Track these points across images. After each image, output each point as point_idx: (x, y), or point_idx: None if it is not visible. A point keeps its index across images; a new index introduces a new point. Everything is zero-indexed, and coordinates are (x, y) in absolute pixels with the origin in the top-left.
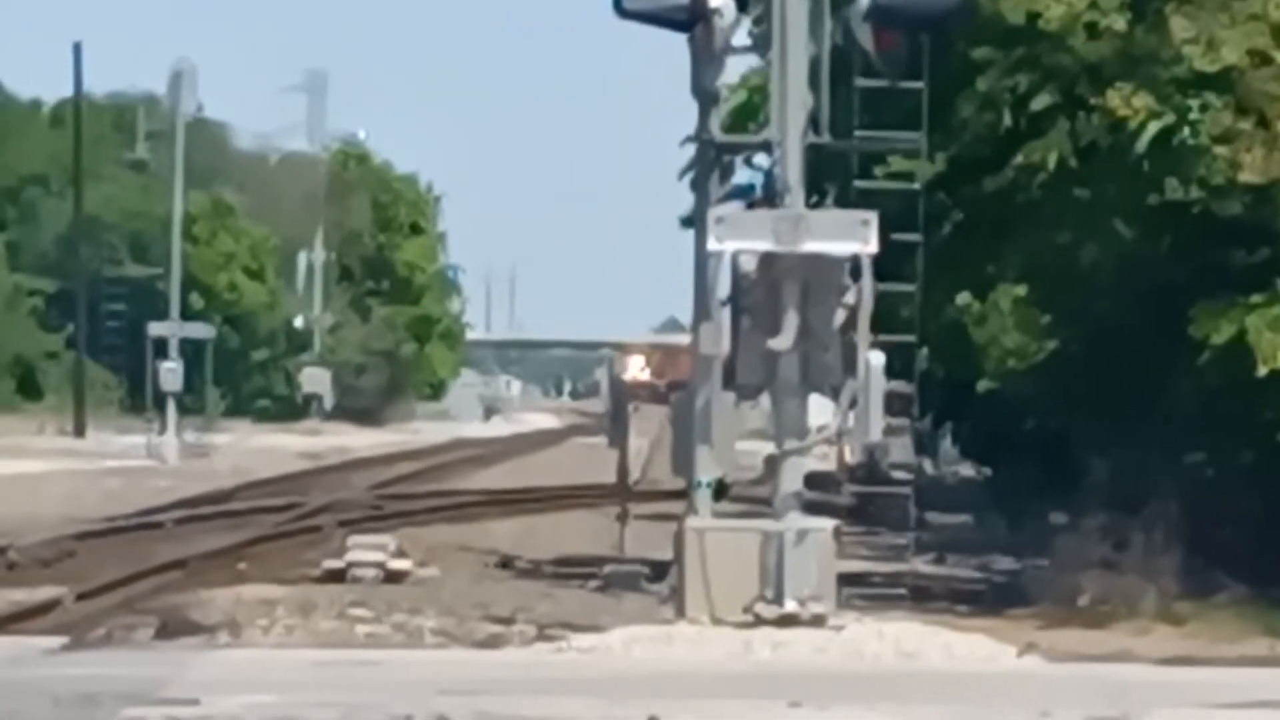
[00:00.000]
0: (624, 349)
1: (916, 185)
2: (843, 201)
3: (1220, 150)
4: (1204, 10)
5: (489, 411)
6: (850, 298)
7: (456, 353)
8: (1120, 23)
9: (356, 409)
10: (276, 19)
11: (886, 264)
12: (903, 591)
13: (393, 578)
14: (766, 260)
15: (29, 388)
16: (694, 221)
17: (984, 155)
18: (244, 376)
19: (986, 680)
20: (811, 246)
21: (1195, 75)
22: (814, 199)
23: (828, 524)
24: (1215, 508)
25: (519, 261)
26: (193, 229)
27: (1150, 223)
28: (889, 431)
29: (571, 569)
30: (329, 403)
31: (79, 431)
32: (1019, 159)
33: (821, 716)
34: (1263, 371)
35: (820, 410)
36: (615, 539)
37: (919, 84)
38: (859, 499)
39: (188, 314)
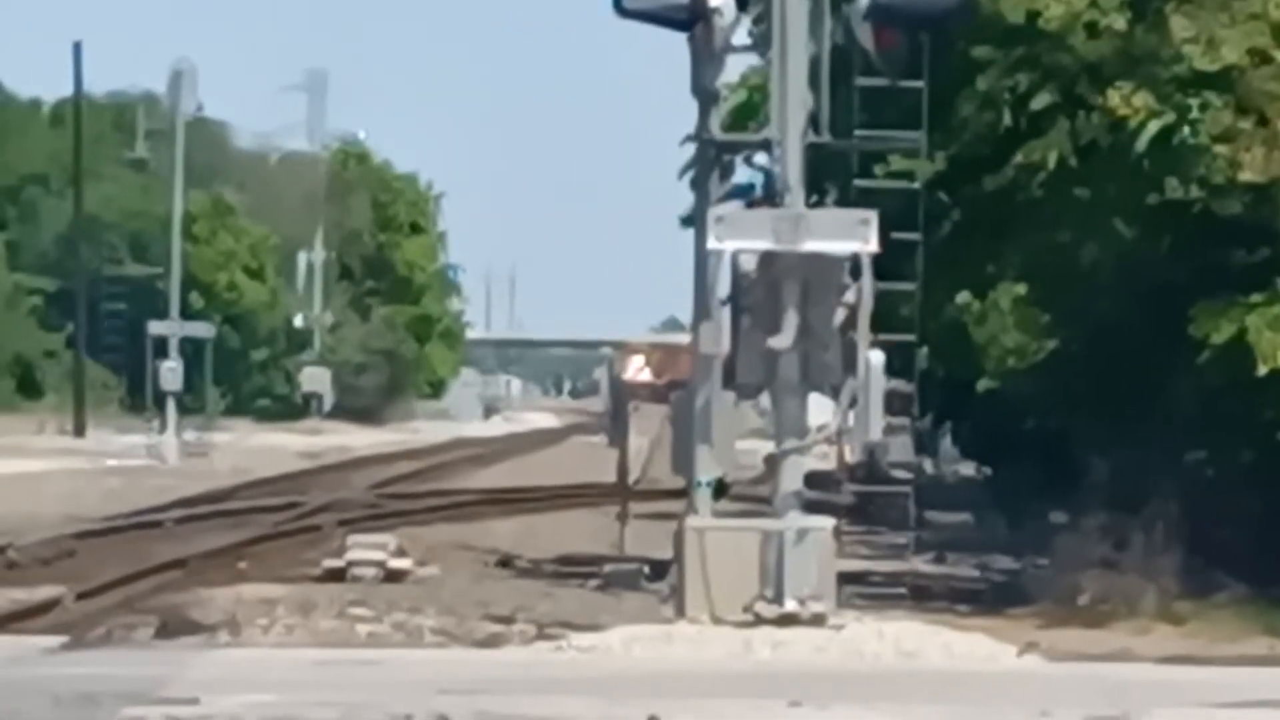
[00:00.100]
0: (624, 348)
1: (916, 184)
2: (843, 201)
3: (1220, 149)
4: (1204, 9)
5: (489, 411)
6: (850, 297)
7: (456, 352)
8: (1120, 22)
9: (356, 408)
10: (276, 18)
11: (886, 263)
12: (903, 591)
13: (393, 577)
14: (766, 259)
15: (29, 387)
16: (694, 221)
17: (984, 154)
18: (244, 376)
19: (986, 679)
20: (811, 246)
21: (1195, 74)
22: (814, 198)
23: (828, 523)
24: (1215, 507)
25: (519, 261)
26: (193, 228)
27: (1150, 222)
28: (889, 431)
29: (571, 568)
30: (329, 402)
31: (79, 431)
32: (1019, 158)
33: (821, 716)
34: (1263, 371)
35: (820, 409)
36: (615, 538)
37: (919, 83)
38: (859, 498)
39: (188, 313)
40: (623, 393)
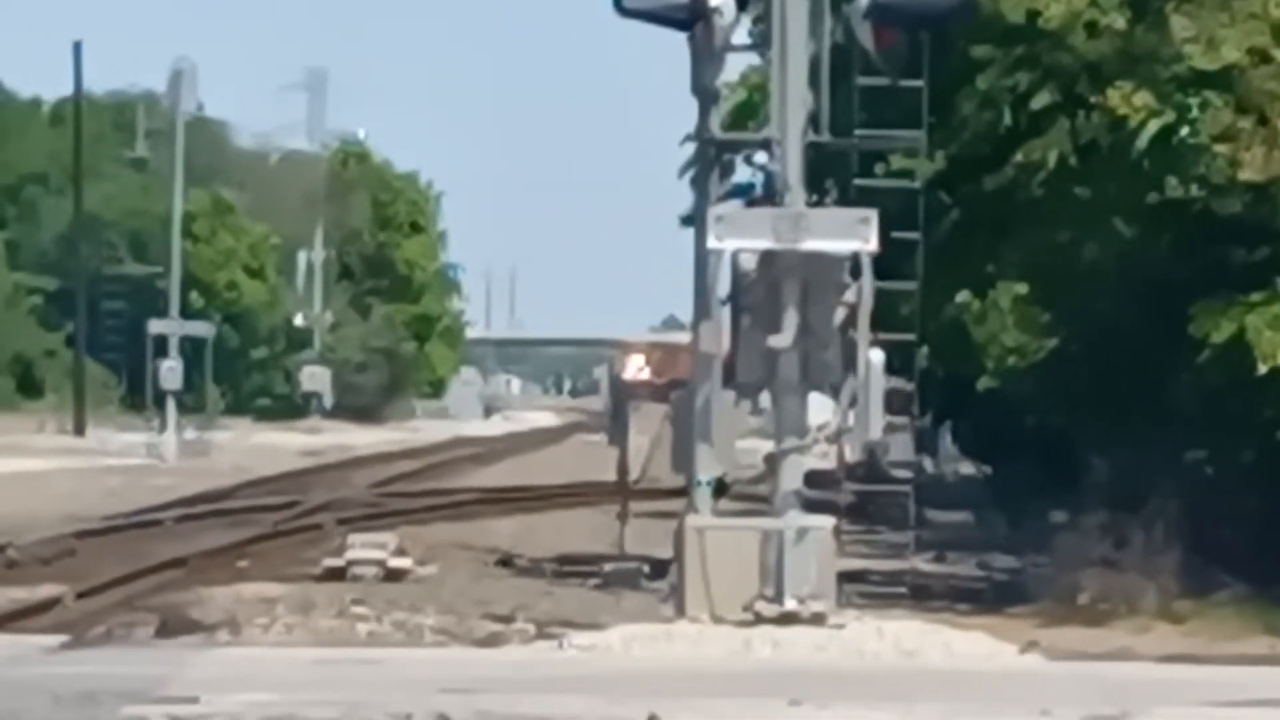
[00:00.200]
0: (624, 347)
1: (916, 183)
2: (843, 200)
3: (1220, 148)
4: (1204, 9)
5: (489, 410)
6: (850, 296)
7: (456, 351)
8: (1120, 21)
9: (356, 407)
10: (276, 18)
11: (886, 262)
12: (903, 590)
13: (393, 576)
14: (766, 258)
15: (29, 386)
16: (694, 220)
17: (984, 153)
18: (244, 375)
19: (987, 678)
20: (811, 245)
21: (1195, 73)
22: (814, 197)
23: (828, 522)
24: (1215, 506)
25: (519, 260)
26: (193, 227)
27: (1150, 221)
28: (889, 430)
29: (571, 567)
30: (329, 401)
31: (79, 430)
32: (1019, 157)
33: (821, 715)
34: (1263, 370)
35: (820, 408)
36: (615, 537)
37: (919, 82)
38: (859, 497)
39: (188, 312)
40: (623, 392)
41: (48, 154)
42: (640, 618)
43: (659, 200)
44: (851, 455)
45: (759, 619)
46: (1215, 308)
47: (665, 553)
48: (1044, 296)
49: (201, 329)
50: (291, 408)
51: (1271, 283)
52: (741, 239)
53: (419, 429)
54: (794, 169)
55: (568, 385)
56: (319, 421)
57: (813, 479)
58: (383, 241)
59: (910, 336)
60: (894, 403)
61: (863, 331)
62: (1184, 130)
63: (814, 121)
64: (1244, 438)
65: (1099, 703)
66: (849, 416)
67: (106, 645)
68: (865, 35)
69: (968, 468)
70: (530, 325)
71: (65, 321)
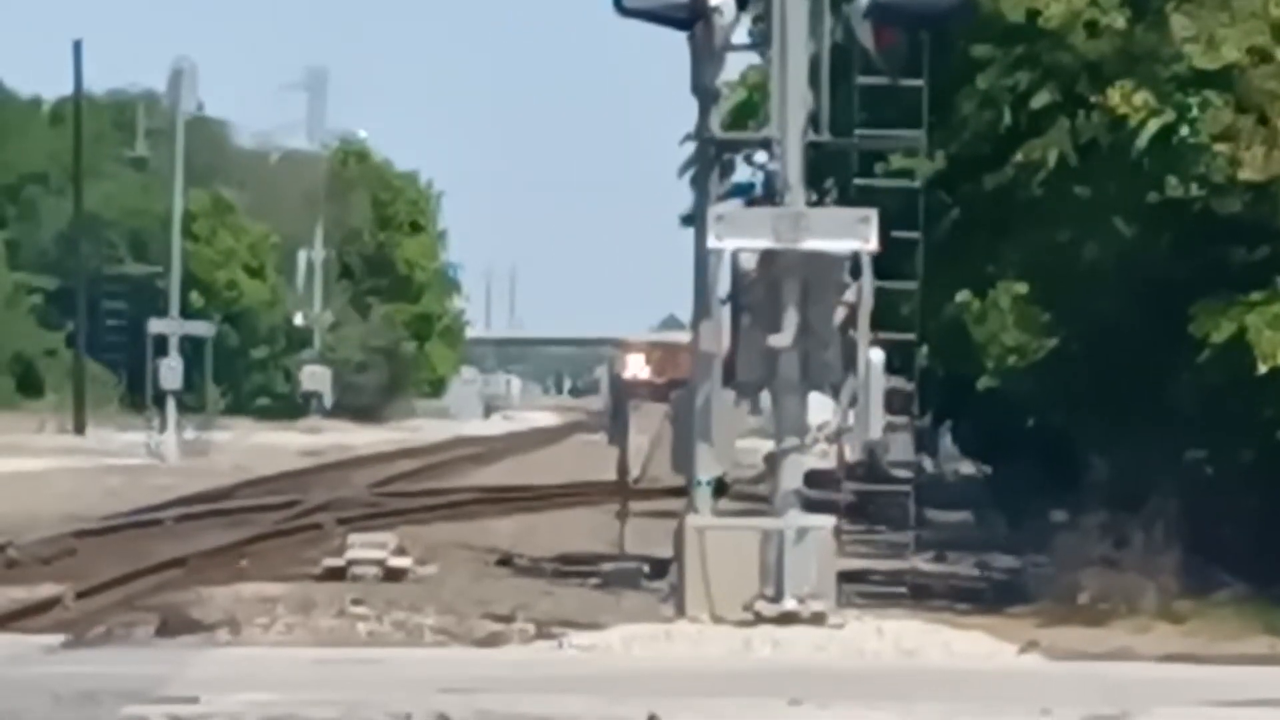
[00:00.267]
0: (624, 346)
1: (916, 183)
2: (843, 199)
3: (1220, 148)
4: (1204, 8)
5: (489, 409)
6: (850, 295)
7: (456, 350)
8: (1120, 21)
9: (356, 407)
10: (276, 17)
11: (886, 261)
12: (903, 589)
13: (393, 576)
14: (766, 258)
15: (29, 385)
16: (694, 219)
17: (984, 153)
18: (244, 374)
19: (987, 678)
20: (811, 244)
21: (1195, 73)
22: (814, 197)
23: (828, 522)
24: (1215, 506)
25: (519, 259)
26: (193, 227)
27: (1150, 220)
28: (889, 429)
29: (571, 567)
30: (329, 400)
31: (79, 429)
32: (1019, 157)
33: (822, 714)
34: (1263, 369)
35: (820, 408)
36: (615, 537)
37: (919, 82)
38: (859, 497)
39: (188, 312)
40: (623, 391)
41: (48, 153)
42: (640, 617)
43: (659, 200)
44: (851, 455)
45: (759, 619)
46: (1215, 307)
47: (665, 552)
48: (1044, 296)
49: (201, 328)
50: (291, 407)
51: (1272, 282)
52: (741, 238)
53: (419, 428)
54: (794, 168)
55: (568, 385)
56: (319, 421)
57: (813, 479)
58: (383, 241)
59: (910, 336)
60: (894, 402)
61: (863, 331)
62: (1184, 130)
63: (814, 121)
64: (1244, 437)
65: (1099, 702)
66: (849, 416)
67: (106, 645)
68: (865, 35)
69: (968, 467)
70: (530, 325)
71: (65, 321)
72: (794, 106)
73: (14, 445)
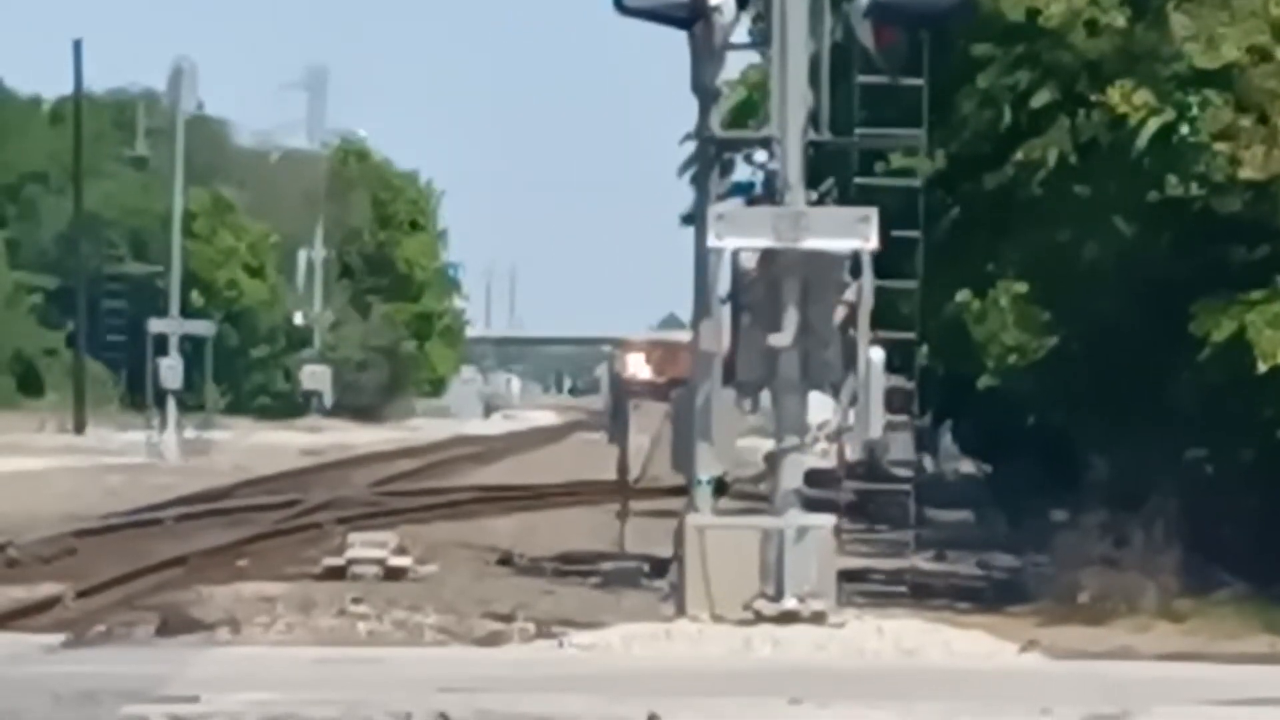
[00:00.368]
0: (624, 346)
1: (917, 182)
2: (843, 198)
3: (1220, 147)
4: (1204, 7)
5: (489, 408)
6: (850, 294)
7: (456, 350)
8: (1120, 20)
9: (356, 406)
10: (277, 16)
11: (886, 261)
12: (903, 588)
13: (393, 575)
14: (767, 257)
15: (29, 385)
16: (694, 218)
17: (984, 152)
18: (244, 373)
19: (987, 677)
20: (811, 243)
21: (1195, 72)
22: (814, 196)
23: (828, 521)
24: (1215, 505)
25: (519, 258)
26: (193, 226)
27: (1150, 220)
28: (889, 428)
29: (572, 566)
30: (329, 400)
31: (79, 428)
32: (1019, 156)
33: (822, 714)
34: (1263, 369)
35: (820, 407)
36: (615, 536)
37: (919, 81)
38: (859, 496)
39: (188, 311)
40: (623, 390)
41: (48, 153)
42: (640, 616)
43: (659, 199)
44: (851, 454)
45: (759, 618)
46: (1215, 306)
47: (665, 551)
48: (1044, 295)
49: (202, 328)
50: (291, 406)
51: (1272, 281)
52: (742, 237)
53: (419, 428)
54: (794, 167)
55: (568, 384)
56: (319, 420)
57: (813, 478)
58: (383, 240)
59: (910, 335)
60: (894, 401)
61: (863, 330)
62: (1184, 129)
63: (814, 120)
64: (1244, 436)
65: (1099, 701)
66: (849, 415)
67: (106, 644)
68: (865, 34)
69: (968, 466)
70: (530, 324)
71: (65, 320)
72: (794, 105)
73: (14, 444)
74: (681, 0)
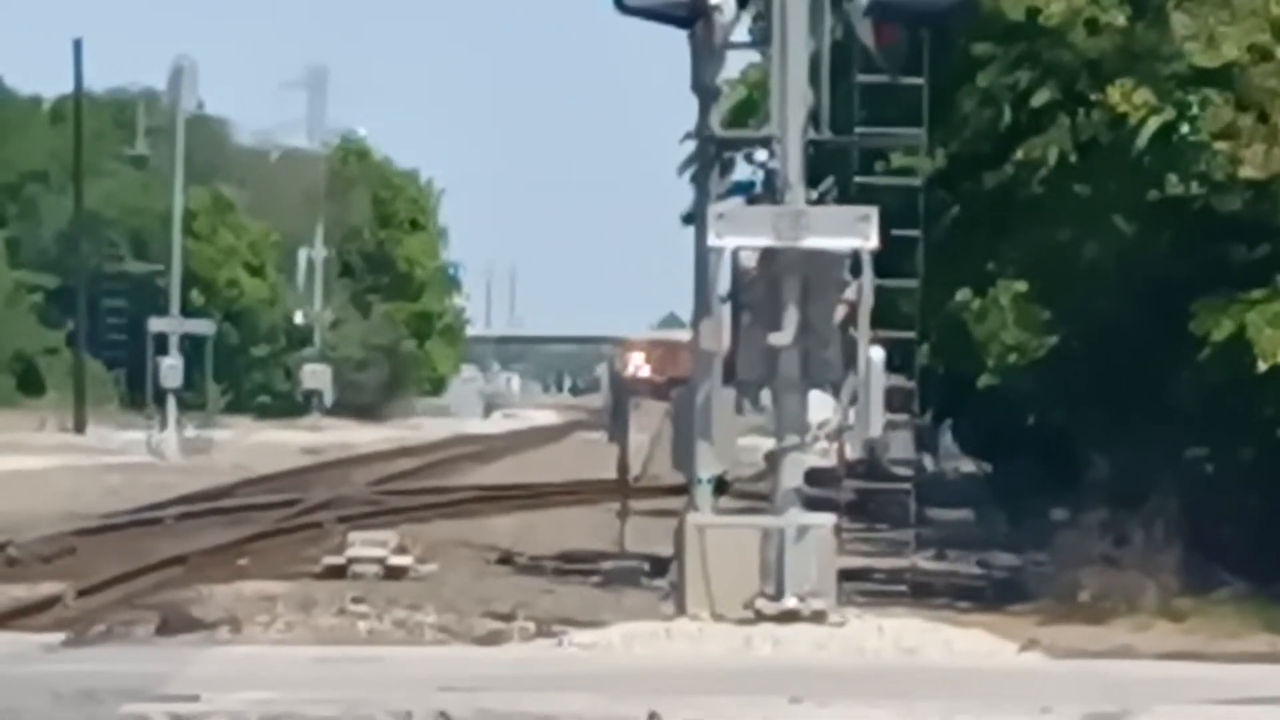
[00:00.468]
0: (624, 345)
1: (917, 181)
2: (843, 197)
3: (1221, 146)
4: (1204, 6)
5: (489, 407)
6: (850, 293)
7: (457, 349)
8: (1120, 19)
9: (357, 405)
10: (277, 15)
11: (887, 260)
12: (903, 587)
13: (393, 574)
14: (767, 256)
15: (30, 384)
16: (694, 217)
17: (984, 151)
18: (244, 372)
19: (987, 676)
20: (812, 242)
21: (1196, 71)
22: (814, 195)
23: (828, 520)
24: (1216, 504)
25: (519, 257)
26: (193, 225)
27: (1151, 219)
28: (889, 427)
29: (572, 565)
30: (329, 399)
31: (79, 427)
32: (1019, 155)
33: (822, 712)
34: (1263, 368)
35: (821, 406)
36: (615, 535)
37: (919, 80)
38: (859, 495)
39: (188, 310)
40: (623, 389)
41: (48, 152)
42: (641, 615)
43: (659, 198)
44: (852, 453)
45: (759, 617)
46: (1215, 305)
47: (666, 550)
48: (1044, 294)
49: (202, 327)
50: (292, 405)
51: (1272, 280)
52: (742, 237)
53: (419, 427)
54: (794, 166)
55: (568, 383)
56: (319, 419)
57: (813, 477)
58: (383, 239)
59: (910, 334)
60: (894, 400)
61: (863, 329)
62: (1184, 128)
63: (814, 119)
64: (1244, 435)
65: (1099, 700)
66: (849, 414)
67: (107, 643)
68: (865, 32)
69: (968, 465)
70: (530, 323)
71: (66, 319)
72: (794, 104)
73: (14, 443)
74: None
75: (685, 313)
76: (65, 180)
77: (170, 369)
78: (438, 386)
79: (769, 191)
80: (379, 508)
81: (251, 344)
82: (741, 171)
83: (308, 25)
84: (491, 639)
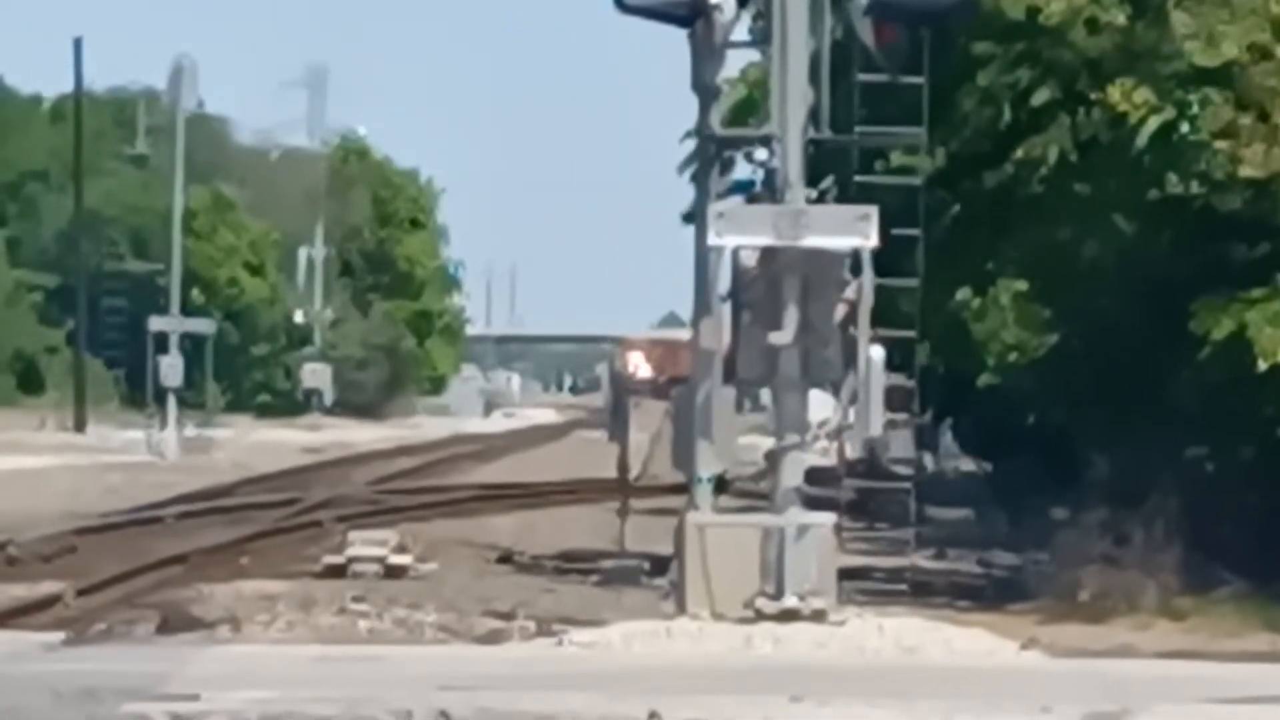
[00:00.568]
0: (625, 344)
1: (917, 180)
2: (843, 196)
3: (1221, 145)
4: (1204, 5)
5: (489, 407)
6: (850, 292)
7: (457, 348)
8: (1121, 18)
9: (357, 404)
10: (277, 14)
11: (887, 259)
12: (903, 586)
13: (393, 573)
14: (767, 255)
15: (30, 383)
16: (694, 217)
17: (984, 150)
18: (244, 371)
19: (987, 675)
20: (812, 241)
21: (1195, 70)
22: (814, 194)
23: (828, 519)
24: (1216, 503)
25: (519, 256)
26: (193, 224)
27: (1151, 218)
28: (889, 426)
29: (572, 564)
30: (329, 398)
31: (79, 427)
32: (1019, 154)
33: (822, 711)
34: (1263, 367)
35: (821, 405)
36: (616, 534)
37: (919, 79)
38: (859, 494)
39: (188, 309)
40: (623, 388)
41: (48, 151)
42: (641, 614)
43: (659, 197)
44: (852, 452)
45: (759, 616)
46: (1216, 304)
47: (666, 549)
48: (1044, 293)
49: (202, 326)
50: (292, 404)
51: (1272, 279)
52: (742, 236)
53: (419, 426)
54: (794, 165)
55: (568, 382)
56: (319, 418)
57: (813, 476)
58: (383, 238)
59: (910, 333)
60: (894, 399)
61: (863, 328)
62: (1184, 127)
63: (814, 118)
64: (1244, 435)
65: (1099, 700)
66: (849, 413)
67: (107, 642)
68: (866, 31)
69: (968, 464)
70: (531, 322)
71: (66, 318)
72: (794, 103)
73: (14, 442)
74: None
75: (685, 312)
76: (65, 179)
77: (170, 368)
78: (438, 385)
79: (769, 190)
80: (379, 507)
81: (252, 343)
82: (741, 170)
83: (308, 25)
84: (492, 638)
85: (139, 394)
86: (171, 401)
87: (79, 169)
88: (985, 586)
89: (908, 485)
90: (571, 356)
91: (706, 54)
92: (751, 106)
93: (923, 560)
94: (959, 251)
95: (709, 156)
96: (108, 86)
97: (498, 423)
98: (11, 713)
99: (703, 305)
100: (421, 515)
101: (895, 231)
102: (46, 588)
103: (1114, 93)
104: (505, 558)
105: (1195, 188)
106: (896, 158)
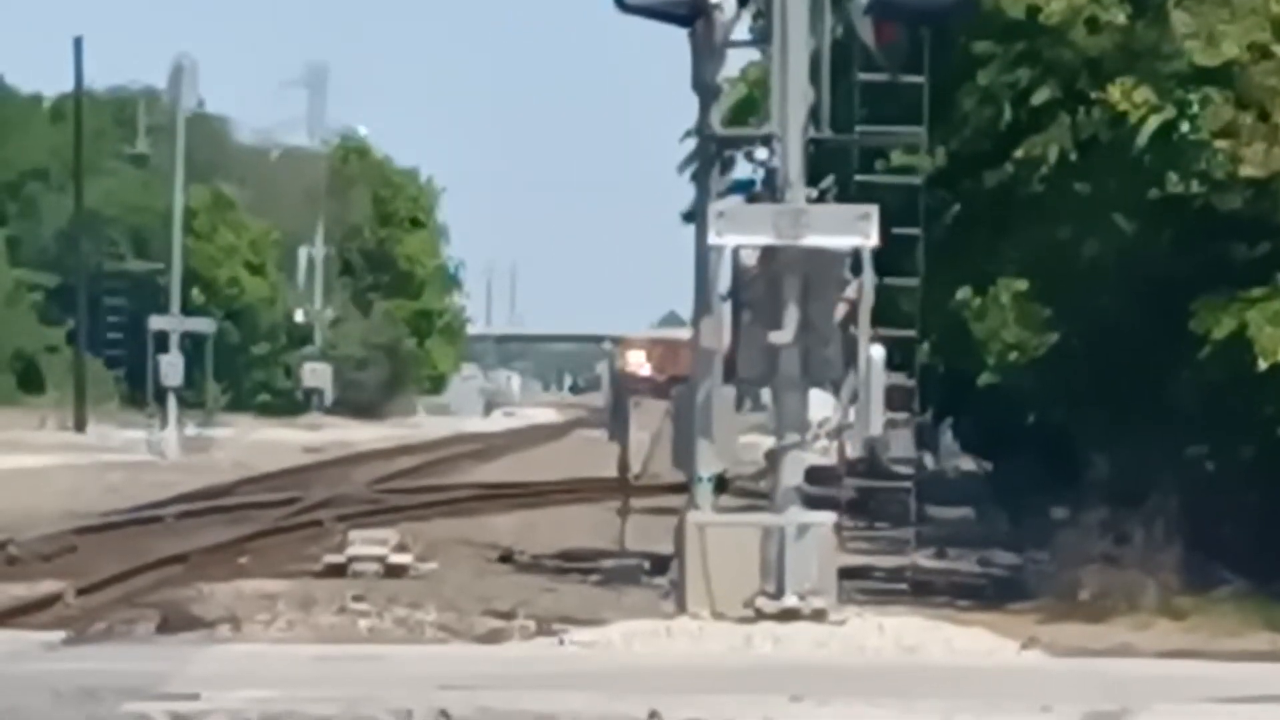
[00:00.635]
0: (625, 343)
1: (917, 179)
2: (843, 196)
3: (1221, 144)
4: (1204, 4)
5: (490, 406)
6: (851, 292)
7: (457, 347)
8: (1121, 17)
9: (357, 403)
10: (277, 14)
11: (887, 258)
12: (903, 586)
13: (393, 572)
14: (767, 254)
15: (30, 382)
16: (695, 216)
17: (985, 149)
18: (245, 371)
19: (987, 674)
20: (812, 240)
21: (1196, 69)
22: (814, 193)
23: (828, 518)
24: (1216, 502)
25: (520, 256)
26: (193, 223)
27: (1151, 217)
28: (890, 426)
29: (572, 563)
30: (330, 397)
31: (79, 426)
32: (1019, 153)
33: (822, 711)
34: (1263, 366)
35: (821, 404)
36: (616, 533)
37: (920, 78)
38: (860, 493)
39: (188, 308)
40: (623, 388)
41: (49, 150)
42: (641, 614)
43: (660, 196)
44: (852, 451)
45: (760, 615)
46: (1216, 304)
47: (666, 549)
48: (1044, 292)
49: (202, 325)
50: (292, 404)
51: (1272, 279)
52: (742, 235)
53: (420, 425)
54: (794, 165)
55: (568, 381)
56: (320, 418)
57: (813, 475)
58: (383, 237)
59: (911, 332)
60: (895, 399)
61: (863, 327)
62: (1185, 126)
63: (814, 117)
64: (1244, 434)
65: (1100, 699)
66: (850, 412)
67: (107, 642)
68: (866, 31)
69: (968, 464)
70: (531, 321)
71: (66, 317)
72: (794, 103)
73: (15, 442)
74: None
75: (686, 311)
76: (66, 178)
77: (170, 367)
78: (438, 385)
79: (769, 190)
80: (379, 506)
81: (252, 342)
82: (742, 170)
83: (308, 24)
84: (492, 637)
85: (139, 393)
86: (172, 401)
87: (79, 168)
88: (985, 586)
89: (908, 484)
90: (571, 356)
91: (707, 53)
92: (752, 106)
93: (923, 559)
94: (959, 251)
95: (709, 156)
96: (108, 86)
97: (498, 422)
98: (11, 712)
99: (703, 304)
100: (422, 514)
101: (895, 231)
102: (46, 587)
103: (1114, 92)
104: (505, 557)
105: (1195, 187)
106: (897, 157)
